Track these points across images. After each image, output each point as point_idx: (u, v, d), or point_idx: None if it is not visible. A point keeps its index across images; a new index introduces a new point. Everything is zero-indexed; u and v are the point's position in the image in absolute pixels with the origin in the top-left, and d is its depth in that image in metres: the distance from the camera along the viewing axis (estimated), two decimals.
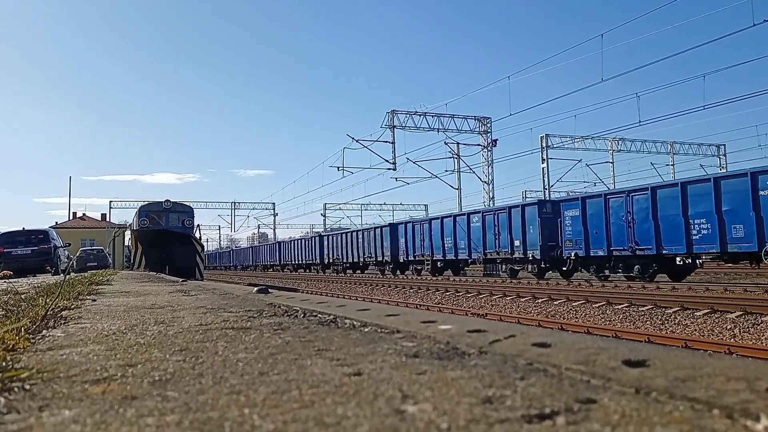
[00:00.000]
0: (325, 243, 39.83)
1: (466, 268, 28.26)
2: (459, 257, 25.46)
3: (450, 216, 26.64)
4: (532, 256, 21.00)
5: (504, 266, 23.24)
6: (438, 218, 27.60)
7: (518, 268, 22.45)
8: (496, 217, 23.22)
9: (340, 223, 68.12)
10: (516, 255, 21.81)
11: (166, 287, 6.76)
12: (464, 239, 24.80)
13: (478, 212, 24.60)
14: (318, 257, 40.52)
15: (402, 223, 30.90)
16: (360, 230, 35.71)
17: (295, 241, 47.23)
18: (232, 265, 69.75)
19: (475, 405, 1.02)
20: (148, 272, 19.04)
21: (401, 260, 29.83)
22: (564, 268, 20.44)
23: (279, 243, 53.01)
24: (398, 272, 30.35)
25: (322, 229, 65.21)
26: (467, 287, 18.31)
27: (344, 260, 36.24)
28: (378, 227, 32.85)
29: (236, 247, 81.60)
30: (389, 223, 31.79)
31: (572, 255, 19.23)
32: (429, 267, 27.36)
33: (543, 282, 18.71)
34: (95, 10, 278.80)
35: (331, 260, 38.36)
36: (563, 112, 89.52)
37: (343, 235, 37.29)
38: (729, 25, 52.34)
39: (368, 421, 0.94)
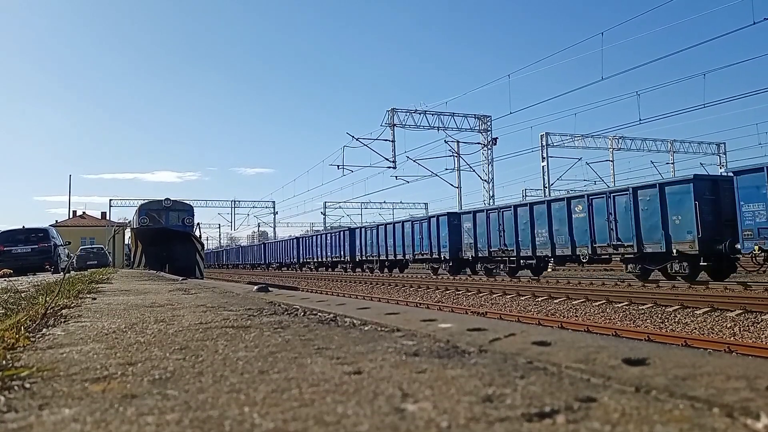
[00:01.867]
0: (439, 228, 26.02)
1: None
2: None
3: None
4: None
5: None
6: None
7: None
8: None
9: (340, 222, 67.80)
10: None
11: (166, 286, 6.76)
12: None
13: None
14: (435, 248, 26.35)
15: (624, 190, 16.76)
16: (526, 204, 21.47)
17: (383, 227, 31.79)
18: (260, 263, 56.95)
19: (475, 403, 1.02)
20: (148, 271, 19.04)
21: (661, 249, 15.45)
22: None
23: (351, 230, 36.69)
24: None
25: (322, 228, 64.78)
26: (467, 285, 18.32)
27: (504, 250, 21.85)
28: (566, 198, 19.36)
29: (277, 239, 61.65)
30: (589, 192, 19.15)
31: None
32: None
33: (543, 280, 18.71)
34: (96, 9, 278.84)
35: (472, 255, 23.85)
36: (563, 110, 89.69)
37: (490, 214, 22.91)
38: (729, 24, 52.21)
39: (368, 420, 0.94)
